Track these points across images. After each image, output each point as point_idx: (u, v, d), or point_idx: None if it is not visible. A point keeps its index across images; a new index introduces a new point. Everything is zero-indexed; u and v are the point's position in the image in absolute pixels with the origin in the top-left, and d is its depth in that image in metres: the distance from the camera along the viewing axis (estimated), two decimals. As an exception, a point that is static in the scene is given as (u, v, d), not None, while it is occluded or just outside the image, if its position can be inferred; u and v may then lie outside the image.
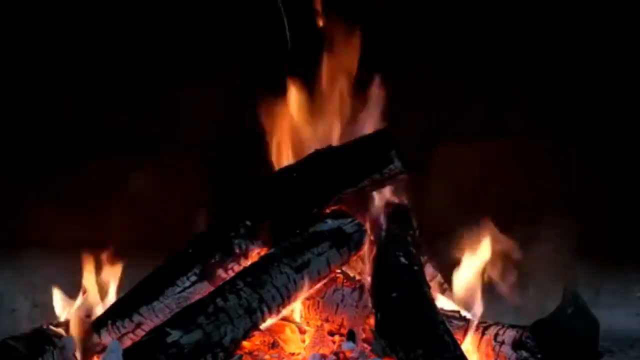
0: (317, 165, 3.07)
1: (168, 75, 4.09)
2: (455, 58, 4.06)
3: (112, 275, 3.15)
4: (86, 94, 4.14)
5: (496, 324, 2.98)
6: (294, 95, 3.24)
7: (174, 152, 4.14)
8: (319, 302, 3.03)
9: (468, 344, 2.93)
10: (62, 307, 3.12)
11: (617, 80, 4.06)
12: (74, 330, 2.90)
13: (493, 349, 2.91)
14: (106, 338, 2.92)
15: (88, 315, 3.06)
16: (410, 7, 4.01)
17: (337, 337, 2.96)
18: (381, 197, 3.16)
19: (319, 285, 3.00)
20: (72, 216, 4.03)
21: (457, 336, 2.85)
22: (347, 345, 2.91)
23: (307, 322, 3.04)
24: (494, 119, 4.12)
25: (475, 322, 2.97)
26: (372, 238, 3.09)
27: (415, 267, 2.97)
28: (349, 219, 3.05)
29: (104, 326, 2.95)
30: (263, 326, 2.89)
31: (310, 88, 3.27)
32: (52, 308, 3.15)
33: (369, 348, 2.90)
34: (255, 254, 3.01)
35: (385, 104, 3.18)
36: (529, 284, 3.43)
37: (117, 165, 4.10)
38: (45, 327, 2.98)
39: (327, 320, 3.02)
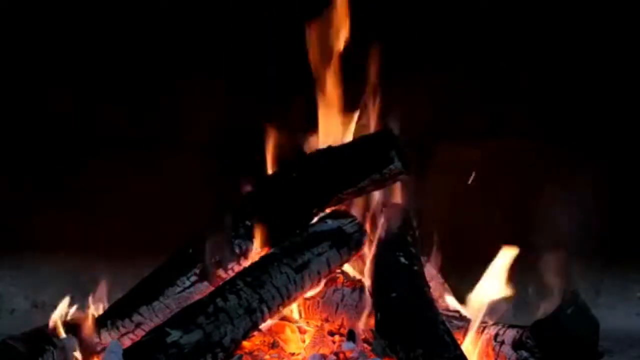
0: (317, 165, 3.07)
1: (168, 75, 4.09)
2: (455, 58, 4.06)
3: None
4: (87, 94, 4.14)
5: (496, 324, 2.98)
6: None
7: (174, 153, 4.14)
8: (319, 302, 3.03)
9: (468, 344, 2.93)
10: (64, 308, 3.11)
11: (617, 80, 4.06)
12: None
13: (493, 349, 2.91)
14: (106, 338, 2.93)
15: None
16: (410, 7, 4.01)
17: (337, 337, 2.96)
18: (381, 197, 3.16)
19: (319, 285, 3.00)
20: (72, 216, 4.03)
21: (457, 336, 2.85)
22: (347, 345, 2.91)
23: (307, 322, 3.04)
24: (494, 119, 4.12)
25: (477, 323, 2.97)
26: (372, 238, 3.09)
27: (415, 267, 2.97)
28: (349, 219, 3.05)
29: (104, 326, 2.95)
30: (263, 326, 2.89)
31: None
32: (52, 308, 3.15)
33: (369, 348, 2.90)
34: (255, 254, 3.01)
35: (385, 104, 3.18)
36: (529, 284, 3.42)
37: (117, 165, 4.10)
38: (45, 327, 2.97)
39: (327, 320, 3.02)
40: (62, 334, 2.91)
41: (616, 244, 4.02)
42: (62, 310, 3.01)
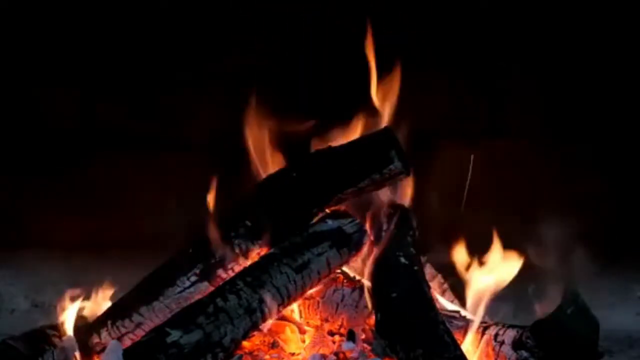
0: (317, 165, 3.07)
1: (169, 75, 4.10)
2: (455, 58, 4.07)
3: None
4: (86, 94, 4.15)
5: (496, 324, 2.98)
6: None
7: (174, 152, 4.14)
8: (319, 302, 3.03)
9: (468, 344, 2.93)
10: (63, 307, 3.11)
11: (617, 80, 4.07)
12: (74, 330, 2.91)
13: (493, 349, 2.91)
14: (106, 338, 2.93)
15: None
16: (410, 7, 4.01)
17: (337, 337, 2.96)
18: (381, 197, 3.16)
19: (319, 285, 3.00)
20: (72, 216, 4.04)
21: (457, 336, 2.85)
22: (347, 345, 2.91)
23: (307, 322, 3.04)
24: (494, 119, 4.12)
25: (477, 323, 2.97)
26: (372, 238, 3.09)
27: (415, 267, 2.96)
28: (349, 219, 3.05)
29: (104, 326, 2.95)
30: (263, 326, 2.89)
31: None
32: (52, 308, 3.15)
33: (369, 348, 2.90)
34: (255, 254, 3.01)
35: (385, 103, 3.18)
36: (529, 284, 3.42)
37: (118, 165, 4.10)
38: (45, 327, 2.97)
39: (327, 320, 3.02)
40: (68, 332, 2.91)
41: (616, 244, 4.02)
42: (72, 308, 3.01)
